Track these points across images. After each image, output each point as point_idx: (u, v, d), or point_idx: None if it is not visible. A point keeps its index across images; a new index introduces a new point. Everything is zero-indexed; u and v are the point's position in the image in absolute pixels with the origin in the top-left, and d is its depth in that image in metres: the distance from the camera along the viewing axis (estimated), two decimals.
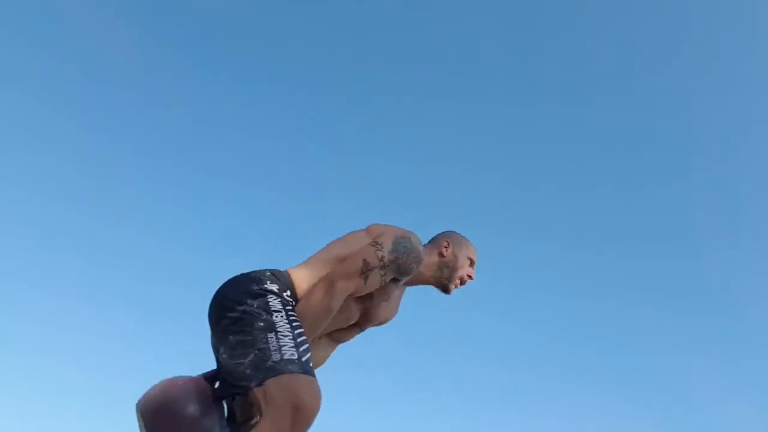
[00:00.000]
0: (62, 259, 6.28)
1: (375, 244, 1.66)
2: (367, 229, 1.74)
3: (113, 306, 6.15)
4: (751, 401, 6.10)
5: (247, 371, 1.42)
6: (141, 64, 6.85)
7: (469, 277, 1.88)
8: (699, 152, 7.03)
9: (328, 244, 1.73)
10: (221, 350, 1.52)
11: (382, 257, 1.64)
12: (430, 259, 1.81)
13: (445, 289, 1.85)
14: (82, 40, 6.75)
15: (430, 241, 1.88)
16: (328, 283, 1.59)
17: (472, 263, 1.89)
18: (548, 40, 7.16)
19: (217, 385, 1.58)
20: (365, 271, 1.63)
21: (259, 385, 1.39)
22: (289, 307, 1.55)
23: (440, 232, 1.92)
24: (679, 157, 7.04)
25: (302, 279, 1.64)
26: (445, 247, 1.84)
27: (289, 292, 1.59)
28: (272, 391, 1.38)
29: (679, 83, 7.01)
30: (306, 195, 6.74)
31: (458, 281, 1.85)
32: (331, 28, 7.20)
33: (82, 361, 5.80)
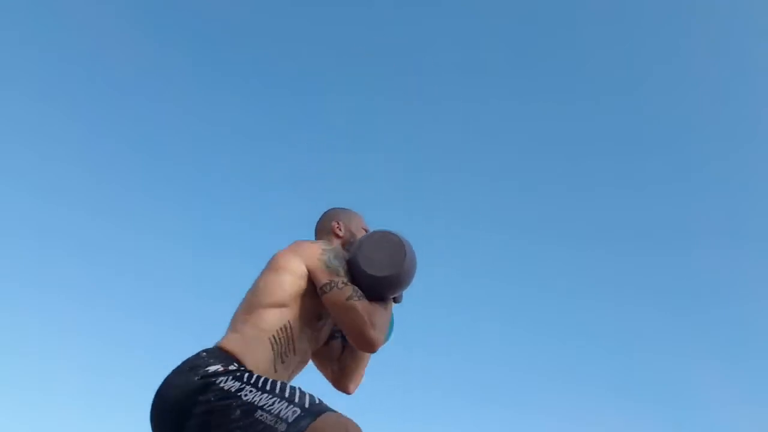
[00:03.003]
0: (62, 259, 6.29)
1: (329, 272, 1.55)
2: (278, 267, 1.58)
3: (113, 306, 6.16)
4: (751, 401, 6.10)
5: None
6: (141, 64, 6.86)
7: None
8: (699, 152, 7.04)
9: (249, 298, 1.57)
10: None
11: (345, 280, 1.55)
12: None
13: None
14: (82, 40, 6.76)
15: (319, 232, 1.83)
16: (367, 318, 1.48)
17: (366, 230, 1.84)
18: (548, 39, 7.17)
19: None
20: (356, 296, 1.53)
21: None
22: (247, 375, 1.33)
23: (320, 218, 1.86)
24: (679, 157, 7.05)
25: (241, 348, 1.44)
26: (337, 227, 1.80)
27: (235, 365, 1.37)
28: None
29: (679, 83, 7.01)
30: (306, 195, 6.74)
31: None
32: (331, 28, 7.20)
33: (82, 361, 5.81)
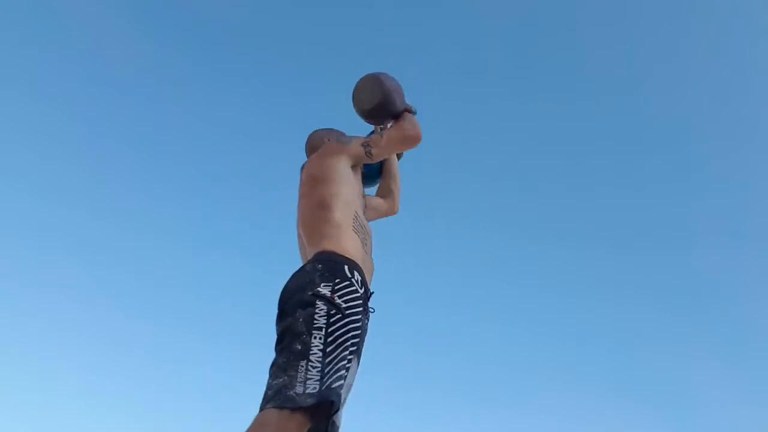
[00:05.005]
0: (62, 259, 6.29)
1: (342, 142, 2.05)
2: (316, 155, 2.06)
3: (113, 306, 6.15)
4: (750, 401, 6.10)
5: (269, 392, 1.43)
6: (141, 64, 6.85)
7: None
8: (699, 152, 7.04)
9: (306, 200, 1.93)
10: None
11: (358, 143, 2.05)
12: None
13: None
14: (82, 40, 6.76)
15: (312, 147, 2.26)
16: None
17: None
18: (548, 39, 7.17)
19: None
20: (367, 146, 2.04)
21: (267, 406, 1.40)
22: (335, 317, 1.54)
23: (309, 140, 2.32)
24: (679, 157, 7.05)
25: (339, 245, 1.74)
26: (329, 140, 2.16)
27: (338, 279, 1.62)
28: (273, 417, 1.38)
29: (679, 83, 7.01)
30: None
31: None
32: (331, 28, 7.20)
33: (82, 361, 5.81)
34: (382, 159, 2.13)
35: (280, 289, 1.69)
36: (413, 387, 5.96)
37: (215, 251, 6.64)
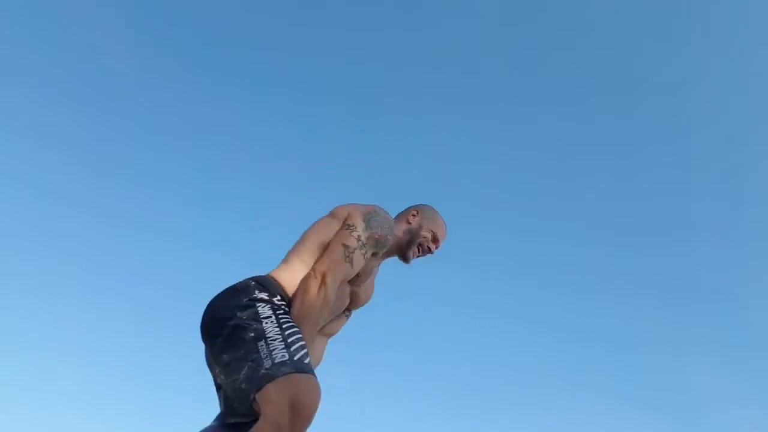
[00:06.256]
0: (63, 259, 6.29)
1: (348, 226, 1.71)
2: (332, 214, 1.77)
3: (113, 306, 6.16)
4: (750, 401, 6.11)
5: (243, 386, 1.42)
6: (141, 64, 6.86)
7: (429, 248, 1.90)
8: (699, 152, 7.04)
9: (301, 238, 1.74)
10: (217, 371, 1.54)
11: (359, 237, 1.69)
12: (398, 227, 1.86)
13: (404, 257, 1.89)
14: (82, 40, 6.76)
15: (399, 214, 1.94)
16: (318, 275, 1.61)
17: (435, 237, 1.91)
18: (548, 39, 7.17)
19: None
20: (348, 255, 1.66)
21: (258, 391, 1.39)
22: (281, 311, 1.54)
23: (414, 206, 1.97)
24: (678, 157, 7.05)
25: (289, 279, 1.64)
26: (413, 215, 1.91)
27: (278, 297, 1.59)
28: (269, 394, 1.37)
29: (679, 83, 7.02)
30: (306, 195, 6.74)
31: (417, 249, 1.88)
32: (331, 29, 7.21)
33: (82, 361, 5.81)
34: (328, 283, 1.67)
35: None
36: (412, 387, 5.96)
37: (215, 251, 6.66)
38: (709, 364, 6.35)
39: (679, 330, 6.61)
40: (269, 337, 1.45)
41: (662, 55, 7.00)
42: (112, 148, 6.78)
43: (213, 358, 1.55)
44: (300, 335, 1.51)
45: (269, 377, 1.39)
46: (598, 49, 7.22)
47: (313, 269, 1.63)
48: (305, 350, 1.48)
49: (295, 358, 1.43)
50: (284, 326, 1.50)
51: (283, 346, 1.44)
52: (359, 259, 1.69)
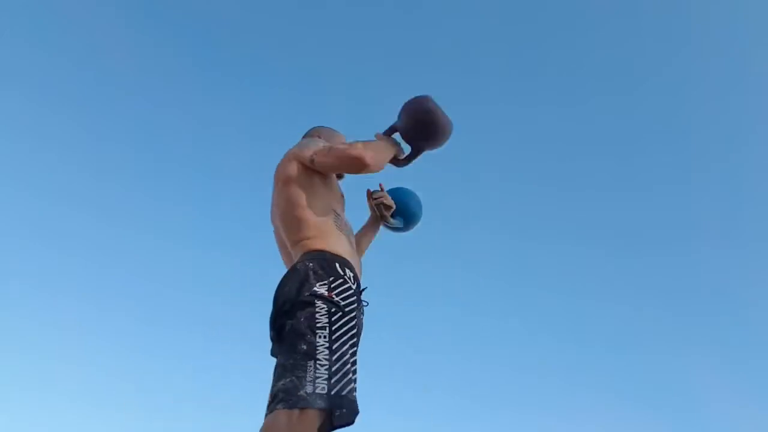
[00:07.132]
0: (62, 259, 6.29)
1: (305, 146, 1.90)
2: (282, 169, 1.90)
3: (113, 306, 6.16)
4: (750, 401, 6.10)
5: (279, 394, 1.44)
6: (141, 64, 6.86)
7: None
8: (699, 152, 7.04)
9: (286, 207, 1.84)
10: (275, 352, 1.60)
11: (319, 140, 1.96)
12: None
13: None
14: (82, 40, 6.76)
15: (305, 136, 2.19)
16: (344, 149, 1.80)
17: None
18: (548, 39, 7.17)
19: None
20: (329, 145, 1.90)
21: (283, 408, 1.41)
22: (336, 315, 1.57)
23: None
24: (678, 157, 7.05)
25: (327, 241, 1.75)
26: (317, 135, 2.14)
27: (333, 276, 1.64)
28: (282, 417, 1.40)
29: (679, 83, 7.01)
30: None
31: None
32: (331, 29, 7.21)
33: (82, 361, 5.81)
34: (327, 170, 1.88)
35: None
36: (412, 387, 5.96)
37: (214, 251, 6.66)
38: (709, 364, 6.36)
39: (679, 330, 6.61)
40: (318, 360, 1.47)
41: (662, 55, 7.00)
42: (112, 148, 6.78)
43: (273, 342, 1.62)
44: (344, 360, 1.52)
45: (301, 403, 1.40)
46: (598, 49, 7.23)
47: (330, 155, 1.81)
48: (347, 377, 1.50)
49: (332, 392, 1.45)
50: (334, 347, 1.52)
51: (326, 376, 1.46)
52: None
